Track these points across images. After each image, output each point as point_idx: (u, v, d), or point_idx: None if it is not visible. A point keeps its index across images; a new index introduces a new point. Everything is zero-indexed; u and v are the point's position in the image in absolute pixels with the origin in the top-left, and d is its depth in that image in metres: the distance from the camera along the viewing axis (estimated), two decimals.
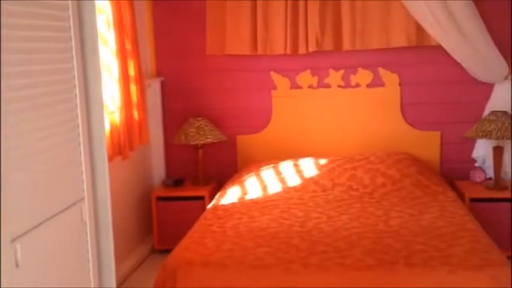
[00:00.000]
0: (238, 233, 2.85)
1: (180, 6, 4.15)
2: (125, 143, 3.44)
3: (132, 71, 3.55)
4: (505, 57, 3.75)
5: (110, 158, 3.07)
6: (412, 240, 2.65)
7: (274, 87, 4.14)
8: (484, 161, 3.91)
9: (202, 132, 3.95)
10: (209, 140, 3.95)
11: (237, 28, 4.02)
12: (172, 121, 4.23)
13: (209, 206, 3.45)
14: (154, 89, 4.16)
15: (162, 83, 4.25)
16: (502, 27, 3.78)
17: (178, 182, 4.06)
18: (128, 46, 3.50)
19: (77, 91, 2.17)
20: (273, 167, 3.82)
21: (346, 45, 3.93)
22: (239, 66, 4.17)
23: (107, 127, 3.19)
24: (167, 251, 3.14)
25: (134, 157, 3.77)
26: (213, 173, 4.18)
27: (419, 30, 3.80)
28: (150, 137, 3.98)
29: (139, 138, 3.65)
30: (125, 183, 3.74)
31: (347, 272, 2.42)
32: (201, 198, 3.89)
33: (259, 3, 3.96)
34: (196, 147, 4.06)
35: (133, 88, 3.57)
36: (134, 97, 3.58)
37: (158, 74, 4.25)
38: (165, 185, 4.08)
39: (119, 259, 2.81)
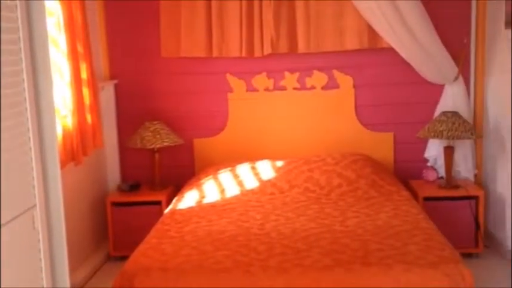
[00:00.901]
0: (196, 237, 2.83)
1: (133, 8, 4.09)
2: (78, 148, 3.35)
3: (84, 74, 3.47)
4: (454, 59, 3.86)
5: (63, 164, 2.99)
6: (369, 240, 2.69)
7: (231, 90, 4.14)
8: (435, 160, 4.01)
9: (158, 136, 3.89)
10: (166, 144, 3.90)
11: (192, 30, 4.00)
12: (127, 125, 4.16)
13: (166, 210, 3.41)
14: (107, 92, 4.08)
15: (116, 86, 4.18)
16: (450, 30, 3.89)
17: (134, 187, 3.99)
18: (80, 48, 3.42)
19: (27, 94, 2.10)
20: (231, 170, 3.81)
21: (301, 47, 3.96)
22: (195, 69, 4.15)
23: (59, 132, 3.10)
24: (123, 258, 3.08)
25: (88, 162, 3.69)
26: (170, 177, 4.13)
27: (372, 33, 3.87)
28: (104, 142, 3.90)
29: (92, 142, 3.57)
30: (79, 189, 3.66)
31: (306, 273, 2.43)
32: (158, 203, 3.83)
33: (213, 5, 3.95)
34: (152, 151, 4.01)
35: (85, 91, 3.49)
36: (87, 100, 3.51)
37: (112, 76, 4.17)
38: (120, 190, 4.01)
39: (73, 267, 2.74)
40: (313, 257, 2.51)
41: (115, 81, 4.16)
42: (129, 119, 4.16)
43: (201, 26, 3.98)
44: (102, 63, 4.12)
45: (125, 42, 4.14)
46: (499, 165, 3.75)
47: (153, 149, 3.97)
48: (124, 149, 4.18)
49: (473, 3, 3.93)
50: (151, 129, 3.92)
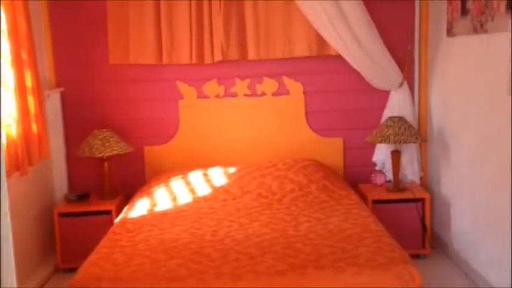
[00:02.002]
0: (148, 246, 2.79)
1: (79, 13, 4.01)
2: (23, 158, 3.24)
3: (29, 82, 3.37)
4: (399, 66, 3.98)
5: (7, 174, 2.89)
6: (321, 244, 2.72)
7: (181, 97, 4.11)
8: (383, 164, 4.12)
9: (107, 144, 3.82)
10: (115, 152, 3.84)
11: (140, 37, 3.96)
12: (75, 133, 4.07)
13: (117, 220, 3.35)
14: (54, 100, 3.98)
15: (63, 94, 4.08)
16: (395, 38, 4.01)
17: (82, 197, 3.90)
18: (24, 55, 3.32)
19: None
20: (182, 177, 3.79)
21: (251, 55, 3.99)
22: (144, 76, 4.10)
23: (3, 141, 3.00)
24: (72, 270, 3.01)
25: (34, 172, 3.57)
26: (120, 185, 4.06)
27: (320, 40, 3.94)
28: (50, 151, 3.79)
29: (38, 152, 3.47)
30: (24, 200, 3.54)
31: (259, 278, 2.44)
32: (108, 212, 3.75)
33: (162, 12, 3.92)
34: (101, 160, 3.93)
35: (30, 99, 3.38)
36: (32, 109, 3.40)
37: (58, 84, 4.07)
38: (68, 200, 3.90)
39: (20, 280, 2.64)
40: (267, 263, 2.53)
41: (61, 89, 4.05)
42: (77, 128, 4.07)
43: (150, 33, 3.94)
44: (48, 71, 4.02)
45: (71, 48, 4.05)
46: (443, 168, 3.88)
47: (102, 157, 3.89)
48: (72, 158, 4.08)
49: (417, 12, 4.07)
50: (100, 137, 3.84)
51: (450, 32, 3.61)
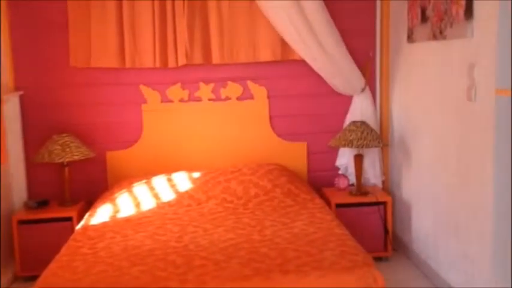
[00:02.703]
0: (111, 253, 2.74)
1: (39, 14, 3.92)
2: None
3: None
4: (361, 71, 4.05)
5: None
6: (286, 248, 2.73)
7: (144, 101, 4.07)
8: (346, 168, 4.17)
9: (68, 150, 3.74)
10: (76, 157, 3.76)
11: (102, 40, 3.90)
12: (34, 139, 3.97)
13: (78, 226, 3.28)
14: (12, 104, 3.87)
15: (22, 98, 3.97)
16: (357, 43, 4.07)
17: (42, 204, 3.80)
18: None
19: None
20: (146, 182, 3.74)
21: (216, 59, 3.98)
22: (106, 80, 4.04)
23: None
24: (32, 278, 2.94)
25: None
26: (81, 192, 3.98)
27: (285, 45, 3.97)
28: (9, 157, 3.68)
29: None
30: None
31: (225, 284, 2.42)
32: (69, 219, 3.67)
33: (125, 14, 3.87)
34: (61, 166, 3.84)
35: None
36: None
37: (17, 88, 3.96)
38: (28, 207, 3.80)
39: None
40: (232, 268, 2.52)
41: (20, 93, 3.95)
42: (37, 133, 3.97)
43: (112, 36, 3.89)
44: (6, 74, 3.90)
45: (31, 51, 3.96)
46: (404, 172, 3.96)
47: (62, 163, 3.80)
48: (31, 164, 3.98)
49: (378, 19, 4.14)
50: (60, 142, 3.76)
51: (410, 38, 3.69)
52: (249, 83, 4.12)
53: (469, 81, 2.89)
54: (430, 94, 3.47)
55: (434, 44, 3.33)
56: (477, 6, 2.79)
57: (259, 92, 4.13)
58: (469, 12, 2.85)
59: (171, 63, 3.94)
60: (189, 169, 3.91)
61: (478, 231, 2.89)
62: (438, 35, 3.23)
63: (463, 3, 2.89)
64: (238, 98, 4.12)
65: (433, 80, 3.42)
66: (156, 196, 3.59)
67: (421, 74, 3.60)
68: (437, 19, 3.23)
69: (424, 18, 3.43)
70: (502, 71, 2.59)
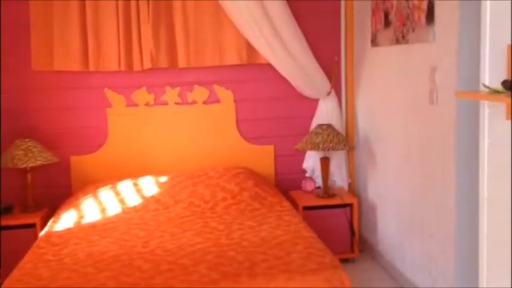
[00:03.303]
0: (76, 260, 2.69)
1: (0, 17, 3.82)
2: None
3: None
4: (327, 75, 4.09)
5: None
6: (254, 251, 2.73)
7: (109, 105, 4.02)
8: (313, 171, 4.20)
9: (30, 155, 3.66)
10: (39, 163, 3.68)
11: (65, 43, 3.83)
12: None
13: (42, 233, 3.21)
14: None
15: None
16: (322, 47, 4.11)
17: (4, 210, 3.71)
18: None
19: None
20: (111, 187, 3.69)
21: (182, 62, 3.96)
22: (70, 83, 3.97)
23: None
24: None
25: None
26: (44, 198, 3.89)
27: (251, 48, 3.98)
28: None
29: None
30: None
31: None
32: (32, 225, 3.59)
33: (88, 18, 3.82)
34: (24, 171, 3.75)
35: None
36: None
37: None
38: None
39: None
40: (200, 272, 2.50)
41: None
42: None
43: (75, 38, 3.83)
44: None
45: None
46: (369, 174, 4.02)
47: (25, 168, 3.72)
48: None
49: (342, 23, 4.19)
50: (23, 147, 3.67)
51: (374, 43, 3.75)
52: (216, 87, 4.12)
53: (431, 85, 2.96)
54: (393, 97, 3.54)
55: (397, 48, 3.40)
56: (438, 11, 2.86)
57: (226, 95, 4.12)
58: (430, 17, 2.92)
59: (136, 67, 3.90)
60: (156, 173, 3.87)
61: (441, 232, 2.96)
62: (401, 39, 3.30)
63: (425, 8, 2.96)
64: (204, 102, 4.11)
65: (396, 84, 3.48)
66: (121, 201, 3.54)
67: (385, 77, 3.67)
68: (400, 24, 3.29)
69: (387, 23, 3.50)
70: (462, 75, 2.66)
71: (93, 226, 3.21)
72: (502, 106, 1.75)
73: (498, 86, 1.62)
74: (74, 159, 3.99)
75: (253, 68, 4.12)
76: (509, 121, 1.72)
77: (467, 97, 2.29)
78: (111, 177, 3.85)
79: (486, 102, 1.86)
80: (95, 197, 3.59)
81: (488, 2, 1.82)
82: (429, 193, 3.08)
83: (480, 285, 2.00)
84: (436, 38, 2.89)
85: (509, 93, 1.58)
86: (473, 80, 2.36)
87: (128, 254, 2.74)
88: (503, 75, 1.73)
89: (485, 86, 1.80)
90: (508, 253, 1.80)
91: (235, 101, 4.14)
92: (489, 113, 1.86)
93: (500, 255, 1.85)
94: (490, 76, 1.83)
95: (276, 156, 4.22)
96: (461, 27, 2.63)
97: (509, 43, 1.73)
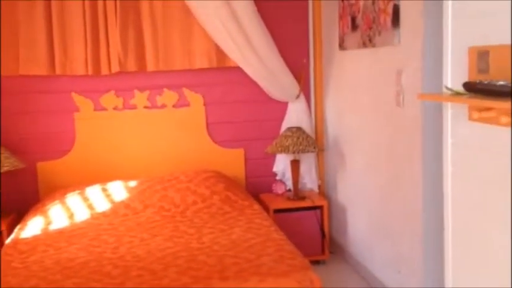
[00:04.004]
0: (43, 267, 2.64)
1: None
2: None
3: None
4: (296, 78, 4.12)
5: None
6: (225, 255, 2.73)
7: (77, 110, 3.96)
8: (283, 174, 4.22)
9: None
10: (5, 168, 3.60)
11: (31, 47, 3.77)
12: None
13: (8, 240, 3.14)
14: None
15: None
16: (291, 51, 4.14)
17: None
18: None
19: None
20: (80, 193, 3.64)
21: (150, 66, 3.94)
22: (36, 88, 3.91)
23: None
24: None
25: None
26: (10, 204, 3.81)
27: (220, 52, 3.98)
28: None
29: None
30: None
31: None
32: None
33: (55, 21, 3.76)
34: None
35: None
36: None
37: None
38: None
39: None
40: (171, 277, 2.49)
41: None
42: None
43: (41, 42, 3.77)
44: None
45: None
46: (339, 176, 4.06)
47: None
48: None
49: (310, 26, 4.23)
50: None
51: (342, 46, 3.79)
52: (185, 90, 4.10)
53: (397, 87, 3.01)
54: (361, 100, 3.58)
55: (364, 52, 3.44)
56: (403, 14, 2.91)
57: (196, 99, 4.11)
58: (396, 20, 2.97)
59: (104, 71, 3.86)
60: (125, 178, 3.83)
61: (409, 232, 3.01)
62: (368, 42, 3.34)
63: (390, 11, 3.01)
64: (174, 106, 4.09)
65: (364, 86, 3.53)
66: (90, 207, 3.49)
67: (353, 80, 3.71)
68: (367, 27, 3.34)
69: (354, 27, 3.54)
70: (427, 77, 2.71)
71: (61, 233, 3.16)
72: (464, 107, 1.79)
73: (460, 88, 1.66)
74: (41, 165, 3.92)
75: (223, 71, 4.12)
76: (472, 122, 1.76)
77: (429, 99, 2.34)
78: (80, 183, 3.79)
79: (449, 104, 1.90)
80: (63, 203, 3.53)
81: (450, 5, 1.86)
82: (397, 194, 3.13)
83: (446, 286, 2.04)
84: (402, 41, 2.94)
85: (471, 94, 1.62)
86: (438, 83, 2.41)
87: (97, 260, 2.70)
88: (465, 78, 1.77)
89: (447, 88, 1.85)
90: (473, 252, 1.84)
91: (205, 104, 4.14)
92: (452, 114, 1.91)
93: (465, 254, 1.90)
94: (453, 78, 1.87)
95: (246, 160, 4.23)
96: (426, 30, 2.69)
97: (470, 46, 1.77)
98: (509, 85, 1.46)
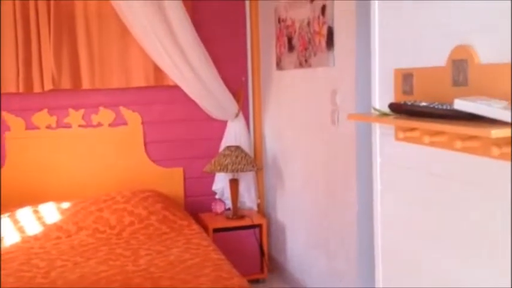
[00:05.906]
0: None
1: None
2: None
3: None
4: (234, 97, 4.13)
5: None
6: (161, 277, 2.68)
7: (8, 129, 3.81)
8: (223, 192, 4.21)
9: None
10: None
11: None
12: None
13: None
14: None
15: None
16: (229, 70, 4.15)
17: None
18: None
19: None
20: (9, 215, 3.48)
21: (86, 83, 3.86)
22: None
23: None
24: None
25: None
26: None
27: (158, 70, 3.94)
28: None
29: None
30: None
31: None
32: None
33: None
34: None
35: None
36: None
37: None
38: None
39: None
40: None
41: None
42: None
43: None
44: None
45: None
46: (278, 195, 4.08)
47: None
48: None
49: (248, 45, 4.27)
50: None
51: (279, 66, 3.85)
52: (122, 109, 4.03)
53: (333, 107, 3.08)
54: (299, 119, 3.64)
55: (300, 72, 3.51)
56: (337, 37, 2.99)
57: (133, 117, 4.05)
58: (330, 42, 3.05)
59: (37, 88, 3.74)
60: (59, 200, 3.71)
61: (345, 248, 3.06)
62: (304, 63, 3.41)
63: (325, 33, 3.09)
64: (110, 125, 4.01)
65: (301, 106, 3.59)
66: (20, 229, 3.35)
67: (291, 99, 3.77)
68: (303, 48, 3.41)
69: (290, 47, 3.61)
70: (359, 97, 2.79)
71: None
72: (391, 128, 1.85)
73: (387, 109, 1.71)
74: None
75: (161, 89, 4.08)
76: (398, 141, 1.82)
77: (358, 119, 2.39)
78: (9, 205, 3.63)
79: (377, 124, 1.95)
80: None
81: (376, 28, 1.93)
82: (333, 211, 3.18)
83: None
84: (336, 63, 3.02)
85: (397, 115, 1.67)
86: (369, 103, 2.48)
87: (26, 286, 2.58)
88: (392, 98, 1.83)
89: (375, 109, 1.90)
90: (402, 269, 1.89)
91: (142, 123, 4.08)
92: (380, 133, 1.96)
93: (395, 271, 1.94)
94: (380, 99, 1.93)
95: (185, 179, 4.19)
96: (358, 52, 2.77)
97: (396, 68, 1.84)
98: (432, 106, 1.52)
